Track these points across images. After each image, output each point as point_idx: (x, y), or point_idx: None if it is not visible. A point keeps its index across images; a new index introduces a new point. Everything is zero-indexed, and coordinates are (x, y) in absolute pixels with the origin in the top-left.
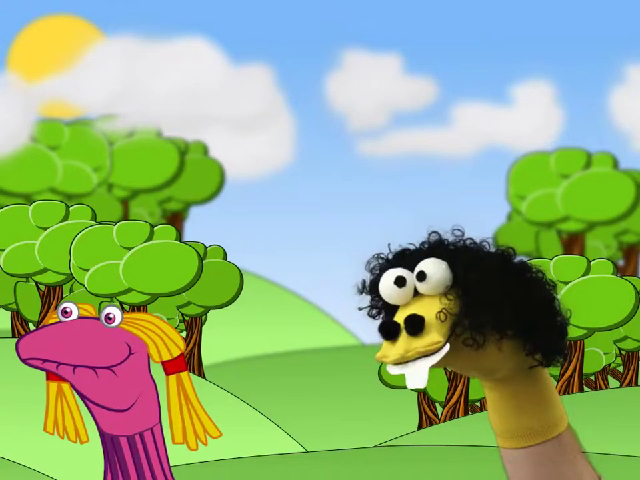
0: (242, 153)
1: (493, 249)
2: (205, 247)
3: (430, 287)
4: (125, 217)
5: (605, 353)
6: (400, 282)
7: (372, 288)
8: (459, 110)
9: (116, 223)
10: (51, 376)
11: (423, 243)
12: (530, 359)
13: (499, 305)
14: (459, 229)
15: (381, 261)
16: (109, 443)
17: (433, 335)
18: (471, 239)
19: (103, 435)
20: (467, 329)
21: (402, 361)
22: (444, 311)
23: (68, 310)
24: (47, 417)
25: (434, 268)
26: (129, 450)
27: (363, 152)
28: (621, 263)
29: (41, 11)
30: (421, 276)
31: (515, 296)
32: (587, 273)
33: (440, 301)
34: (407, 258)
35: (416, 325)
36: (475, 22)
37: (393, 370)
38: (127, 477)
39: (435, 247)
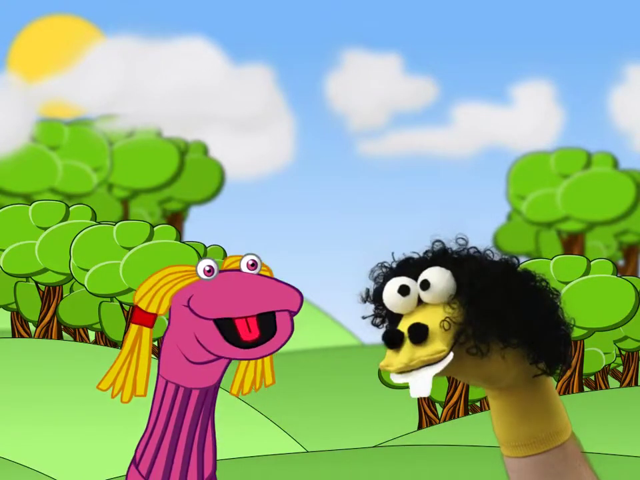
0: (242, 152)
1: (496, 258)
2: (205, 247)
3: (434, 295)
4: (125, 217)
5: (604, 353)
6: (403, 290)
7: (375, 297)
8: (459, 110)
9: (116, 223)
10: (136, 317)
11: (426, 252)
12: (534, 367)
13: (503, 313)
14: (462, 238)
15: (384, 269)
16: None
17: (437, 344)
18: (474, 247)
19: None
20: (471, 337)
21: (406, 370)
22: (447, 319)
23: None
24: (113, 365)
25: (438, 276)
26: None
27: (363, 152)
28: (621, 262)
29: (41, 11)
30: (425, 285)
31: (519, 305)
32: (587, 273)
33: (444, 310)
34: (410, 266)
35: (420, 334)
36: (475, 22)
37: (397, 379)
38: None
39: (439, 256)
